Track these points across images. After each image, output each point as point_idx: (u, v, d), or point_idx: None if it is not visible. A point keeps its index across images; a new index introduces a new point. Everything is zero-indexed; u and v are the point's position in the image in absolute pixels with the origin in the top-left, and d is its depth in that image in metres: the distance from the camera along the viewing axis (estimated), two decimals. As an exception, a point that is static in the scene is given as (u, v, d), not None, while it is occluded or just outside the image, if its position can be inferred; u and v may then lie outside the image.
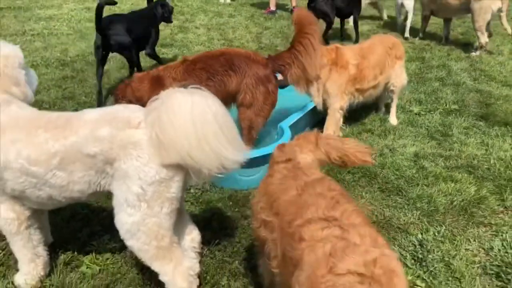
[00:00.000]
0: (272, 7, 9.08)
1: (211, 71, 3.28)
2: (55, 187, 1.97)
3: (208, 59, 3.35)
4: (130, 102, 3.31)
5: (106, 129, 1.88)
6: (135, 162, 1.86)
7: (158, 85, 3.25)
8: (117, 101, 3.35)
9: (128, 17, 5.08)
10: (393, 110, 4.14)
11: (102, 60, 4.71)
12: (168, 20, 5.57)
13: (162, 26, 7.82)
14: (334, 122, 3.71)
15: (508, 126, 4.01)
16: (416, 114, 4.32)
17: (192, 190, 3.11)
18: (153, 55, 5.36)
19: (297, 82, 3.36)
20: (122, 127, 1.88)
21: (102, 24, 4.55)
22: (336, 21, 6.76)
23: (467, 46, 6.57)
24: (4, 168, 1.94)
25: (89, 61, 5.96)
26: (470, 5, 5.94)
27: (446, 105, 4.48)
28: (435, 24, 7.39)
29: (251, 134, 3.36)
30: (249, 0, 10.58)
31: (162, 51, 6.47)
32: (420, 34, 7.05)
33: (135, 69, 4.98)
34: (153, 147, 1.85)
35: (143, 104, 3.27)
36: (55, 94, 4.84)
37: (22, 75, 2.18)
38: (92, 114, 1.98)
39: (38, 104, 4.55)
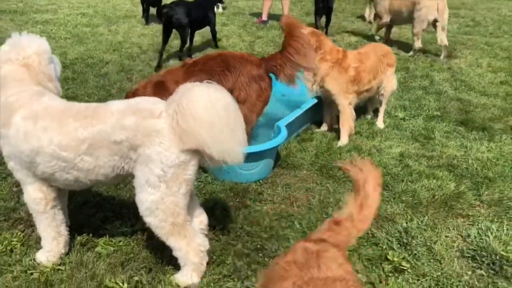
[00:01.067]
0: (264, 17, 9.39)
1: (209, 71, 3.54)
2: (82, 170, 2.19)
3: (206, 60, 3.63)
4: None
5: (132, 118, 2.12)
6: (158, 147, 2.10)
7: (161, 89, 3.52)
8: None
9: (189, 3, 6.57)
10: (381, 114, 4.44)
11: (165, 37, 6.28)
12: (220, 1, 7.98)
13: (158, 33, 8.10)
14: (347, 117, 3.99)
15: (485, 131, 4.34)
16: (401, 119, 4.62)
17: (195, 183, 3.34)
18: (214, 32, 7.28)
19: (289, 81, 3.59)
20: (146, 117, 2.12)
21: (168, 7, 6.23)
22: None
23: (449, 58, 6.95)
24: (37, 153, 2.16)
25: (88, 64, 6.16)
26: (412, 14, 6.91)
27: (429, 112, 4.80)
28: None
29: (246, 129, 3.60)
30: (241, 10, 10.90)
31: (159, 56, 6.69)
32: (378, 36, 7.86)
33: (185, 46, 6.53)
34: (174, 135, 2.09)
35: None
36: (58, 94, 5.03)
37: (53, 70, 2.40)
38: (118, 105, 2.22)
39: (42, 102, 4.74)
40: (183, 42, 6.44)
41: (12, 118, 2.16)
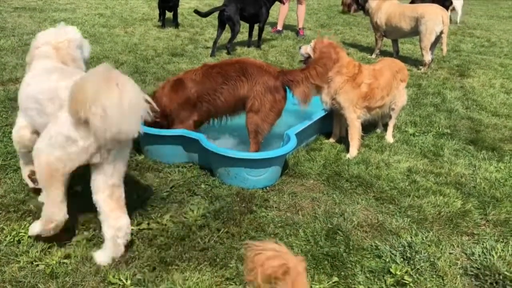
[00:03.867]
0: (279, 27, 9.46)
1: (226, 75, 3.61)
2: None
3: (224, 65, 3.71)
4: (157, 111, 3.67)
5: None
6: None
7: (179, 86, 3.60)
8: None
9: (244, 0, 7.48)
10: (390, 128, 4.45)
11: (221, 27, 7.43)
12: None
13: (173, 37, 8.20)
14: (355, 131, 4.01)
15: (494, 151, 4.32)
16: (411, 134, 4.63)
17: (203, 186, 3.38)
18: (262, 29, 8.00)
19: (303, 100, 3.62)
20: None
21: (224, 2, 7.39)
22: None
23: (462, 77, 6.96)
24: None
25: (103, 64, 6.25)
26: (417, 28, 7.05)
27: (439, 129, 4.80)
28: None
29: (257, 138, 3.65)
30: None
31: (174, 60, 6.78)
32: (375, 54, 7.94)
33: (234, 39, 7.51)
34: None
35: (164, 109, 3.62)
36: (72, 91, 5.11)
37: (79, 53, 2.90)
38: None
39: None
40: (233, 36, 7.45)
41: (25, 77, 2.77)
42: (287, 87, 3.68)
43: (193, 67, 5.91)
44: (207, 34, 8.81)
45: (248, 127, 3.64)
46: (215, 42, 7.37)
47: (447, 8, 10.93)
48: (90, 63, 6.18)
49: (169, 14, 9.31)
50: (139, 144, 3.75)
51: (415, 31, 7.22)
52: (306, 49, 4.21)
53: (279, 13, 9.51)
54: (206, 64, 3.77)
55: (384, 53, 7.97)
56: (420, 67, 7.22)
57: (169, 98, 3.64)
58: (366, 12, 7.83)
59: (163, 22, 9.15)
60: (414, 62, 7.69)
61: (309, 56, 4.16)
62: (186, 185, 3.38)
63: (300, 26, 9.41)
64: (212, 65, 3.73)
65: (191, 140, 3.50)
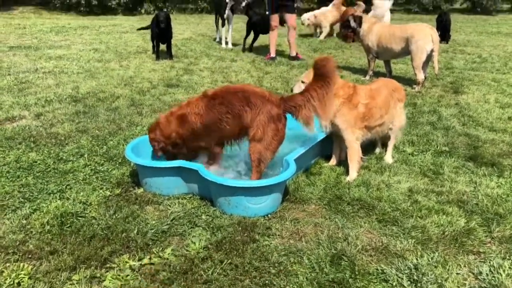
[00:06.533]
0: (272, 54, 9.58)
1: (229, 105, 3.61)
2: None
3: (227, 94, 3.68)
4: (159, 140, 3.76)
5: None
6: None
7: (184, 121, 3.63)
8: (152, 140, 3.80)
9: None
10: (389, 149, 4.45)
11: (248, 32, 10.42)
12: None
13: (168, 68, 8.29)
14: (354, 153, 4.01)
15: (494, 167, 4.32)
16: (409, 154, 4.62)
17: (204, 217, 3.34)
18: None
19: (307, 122, 3.63)
20: None
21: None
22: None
23: (457, 93, 7.01)
24: None
25: (100, 98, 6.28)
26: (408, 48, 7.19)
27: (437, 147, 4.80)
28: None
29: (260, 167, 3.63)
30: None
31: (169, 91, 6.83)
32: (369, 76, 8.07)
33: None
34: None
35: (173, 142, 3.70)
36: (69, 127, 5.12)
37: None
38: None
39: (53, 136, 4.83)
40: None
41: None
42: (289, 114, 3.69)
43: (188, 97, 5.99)
44: (202, 64, 8.90)
45: (251, 155, 3.64)
46: (245, 39, 10.72)
47: (444, 27, 11.42)
48: (86, 98, 6.27)
49: (162, 47, 9.42)
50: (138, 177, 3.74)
51: (406, 51, 7.34)
52: (300, 86, 4.16)
53: (269, 40, 9.66)
54: (206, 94, 3.76)
55: (377, 74, 8.05)
56: (414, 86, 7.29)
57: (175, 133, 3.72)
58: (358, 35, 7.95)
59: (158, 54, 9.25)
60: (408, 81, 7.76)
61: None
62: (187, 217, 3.34)
63: (294, 53, 9.54)
64: (214, 95, 3.70)
65: (190, 170, 3.48)
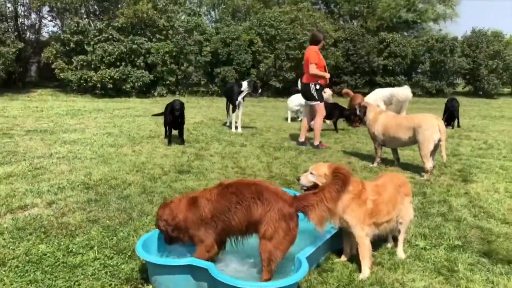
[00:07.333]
0: (302, 139, 9.73)
1: (240, 196, 3.66)
2: None
3: (240, 185, 3.76)
4: (167, 220, 3.81)
5: None
6: None
7: (193, 204, 3.74)
8: (159, 219, 3.86)
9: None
10: (400, 244, 4.40)
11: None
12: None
13: (179, 153, 8.45)
14: (365, 249, 3.97)
15: (511, 264, 4.22)
16: (422, 248, 4.55)
17: (213, 319, 3.25)
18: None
19: (319, 223, 3.62)
20: None
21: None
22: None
23: (465, 182, 7.03)
24: None
25: (111, 185, 6.36)
26: (416, 137, 7.34)
27: (449, 241, 4.74)
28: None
29: (270, 266, 3.58)
30: (258, 130, 11.41)
31: (180, 177, 6.90)
32: (376, 163, 8.12)
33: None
34: None
35: (177, 223, 3.77)
36: (80, 217, 5.14)
37: None
38: None
39: (64, 226, 4.84)
40: None
41: None
42: (301, 213, 3.70)
43: (199, 184, 6.05)
44: (212, 149, 9.09)
45: (262, 254, 3.60)
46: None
47: (452, 113, 11.82)
48: (98, 185, 6.36)
49: (174, 132, 9.69)
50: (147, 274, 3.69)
51: (413, 141, 7.49)
52: (307, 177, 4.21)
53: (315, 128, 9.76)
54: (222, 183, 3.84)
55: (384, 161, 8.14)
56: (423, 173, 7.34)
57: (182, 214, 3.76)
58: (364, 123, 8.16)
59: (170, 139, 9.50)
60: (416, 168, 7.83)
61: (315, 185, 4.13)
62: (197, 319, 3.25)
63: (303, 139, 9.74)
64: (228, 185, 3.80)
65: (200, 269, 3.44)
